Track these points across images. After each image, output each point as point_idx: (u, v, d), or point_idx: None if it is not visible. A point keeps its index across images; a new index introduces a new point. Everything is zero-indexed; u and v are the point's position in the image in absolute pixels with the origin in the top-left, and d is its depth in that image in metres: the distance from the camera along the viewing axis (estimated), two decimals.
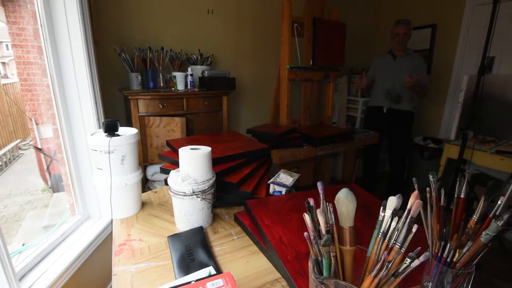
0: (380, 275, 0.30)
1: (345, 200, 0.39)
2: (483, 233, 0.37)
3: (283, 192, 1.03)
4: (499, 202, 0.41)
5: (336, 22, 2.20)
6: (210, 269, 0.54)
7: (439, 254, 0.44)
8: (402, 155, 2.74)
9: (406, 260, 0.29)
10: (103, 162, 0.89)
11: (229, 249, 0.79)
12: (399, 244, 0.33)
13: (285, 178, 1.08)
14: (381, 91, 2.67)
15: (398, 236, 0.34)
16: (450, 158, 2.43)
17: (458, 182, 0.45)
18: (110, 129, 0.91)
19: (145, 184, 1.92)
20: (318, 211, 0.35)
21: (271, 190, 1.06)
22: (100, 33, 1.94)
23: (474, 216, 0.41)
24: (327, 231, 0.34)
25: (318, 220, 0.35)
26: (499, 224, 0.36)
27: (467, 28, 2.84)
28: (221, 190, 0.97)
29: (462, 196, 0.46)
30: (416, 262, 0.29)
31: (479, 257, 0.42)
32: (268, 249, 0.73)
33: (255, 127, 1.96)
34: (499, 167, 2.12)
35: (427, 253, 0.29)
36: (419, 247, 0.31)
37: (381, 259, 0.31)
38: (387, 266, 0.30)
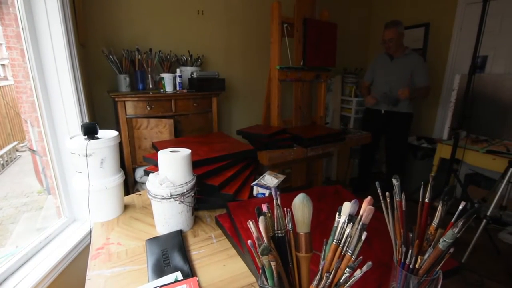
0: (321, 285, 0.29)
1: (300, 205, 0.38)
2: (441, 240, 0.37)
3: (267, 194, 1.02)
4: (459, 207, 0.40)
5: (327, 22, 2.19)
6: (178, 274, 0.54)
7: (402, 260, 0.43)
8: (399, 156, 2.71)
9: (346, 271, 0.29)
10: (82, 165, 0.88)
11: (207, 252, 0.78)
12: (351, 252, 0.33)
13: (270, 180, 1.07)
14: (378, 93, 2.60)
15: (350, 243, 0.33)
16: (443, 158, 2.42)
17: (422, 186, 0.44)
18: (89, 132, 0.90)
19: (134, 186, 1.91)
20: (260, 219, 0.34)
21: (254, 192, 1.04)
22: (87, 35, 1.92)
23: (433, 222, 0.40)
24: (271, 239, 0.34)
25: (269, 227, 0.34)
26: (455, 232, 0.35)
27: (459, 27, 2.83)
28: (203, 192, 0.97)
29: (426, 200, 0.45)
30: (359, 272, 0.28)
31: (442, 264, 0.42)
32: (244, 252, 0.72)
33: (245, 128, 1.95)
34: (492, 167, 2.10)
35: (369, 263, 0.28)
36: (361, 257, 0.30)
37: (320, 268, 0.30)
38: (327, 276, 0.29)
